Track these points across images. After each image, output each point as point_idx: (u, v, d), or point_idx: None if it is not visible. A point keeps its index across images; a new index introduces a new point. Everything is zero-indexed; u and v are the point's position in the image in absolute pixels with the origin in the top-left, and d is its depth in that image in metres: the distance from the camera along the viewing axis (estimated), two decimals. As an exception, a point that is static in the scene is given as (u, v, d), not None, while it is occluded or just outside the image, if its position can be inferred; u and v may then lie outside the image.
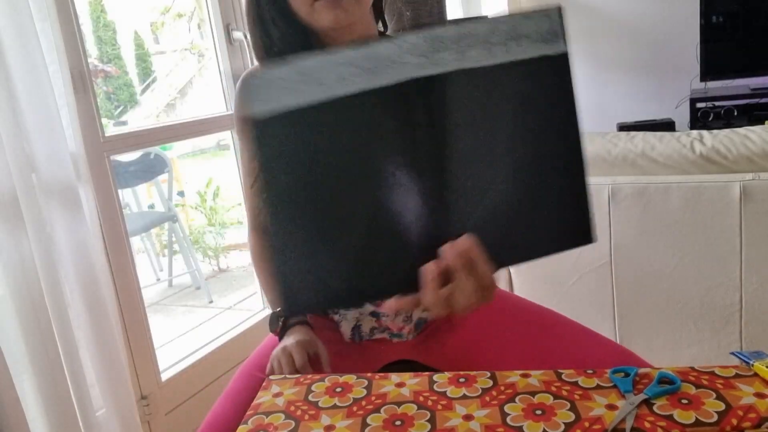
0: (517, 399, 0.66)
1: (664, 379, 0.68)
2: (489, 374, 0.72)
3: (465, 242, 0.60)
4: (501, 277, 1.59)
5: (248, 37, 0.92)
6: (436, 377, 0.72)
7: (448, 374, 0.72)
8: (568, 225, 0.63)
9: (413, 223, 0.59)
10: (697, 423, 0.60)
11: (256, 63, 0.95)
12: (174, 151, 4.34)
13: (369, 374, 0.74)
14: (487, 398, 0.67)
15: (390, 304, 0.63)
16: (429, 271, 0.60)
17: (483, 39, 0.57)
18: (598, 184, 1.36)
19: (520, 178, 0.60)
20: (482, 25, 0.57)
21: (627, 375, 0.69)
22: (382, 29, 0.99)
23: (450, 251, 0.60)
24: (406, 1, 2.80)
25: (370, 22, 0.91)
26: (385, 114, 0.57)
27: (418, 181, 0.58)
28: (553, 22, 0.59)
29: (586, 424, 0.61)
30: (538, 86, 0.59)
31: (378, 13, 0.95)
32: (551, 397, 0.66)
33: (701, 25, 3.27)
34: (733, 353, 0.73)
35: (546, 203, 0.62)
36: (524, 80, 0.59)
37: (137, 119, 2.56)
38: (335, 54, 0.55)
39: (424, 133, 0.58)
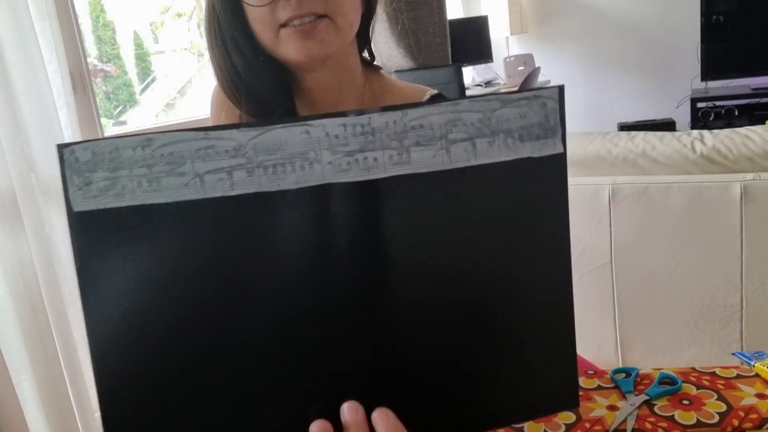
0: (517, 400, 0.66)
1: (665, 380, 0.67)
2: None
3: (383, 421, 0.41)
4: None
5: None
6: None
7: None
8: (548, 384, 0.47)
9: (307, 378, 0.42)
10: (699, 424, 0.60)
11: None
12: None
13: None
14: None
15: None
16: None
17: (439, 135, 0.41)
18: (598, 184, 1.36)
19: (484, 321, 0.44)
20: (438, 115, 0.41)
21: (628, 375, 0.69)
22: (369, 59, 0.81)
23: (350, 415, 0.41)
24: (406, 0, 2.80)
25: (352, 52, 0.74)
26: (277, 226, 0.40)
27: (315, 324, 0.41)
28: (549, 111, 0.43)
29: (587, 425, 0.61)
30: (514, 197, 0.43)
31: (364, 40, 0.77)
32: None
33: (702, 25, 3.27)
34: (734, 354, 0.72)
35: (520, 356, 0.46)
36: (496, 190, 0.43)
37: (137, 119, 2.56)
38: (212, 135, 0.38)
39: (338, 243, 0.41)
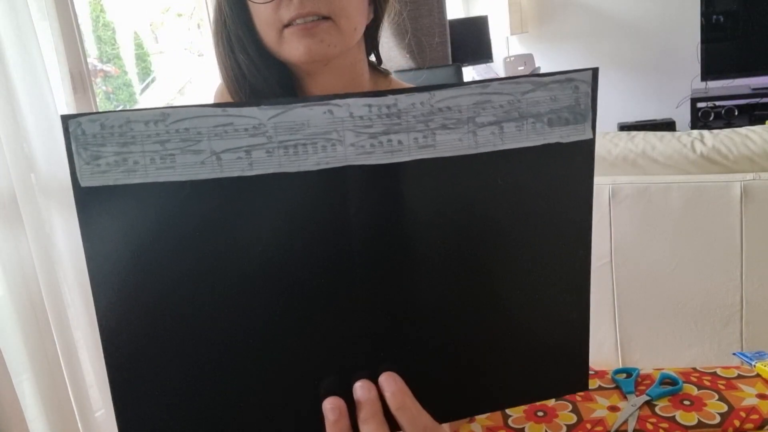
0: (518, 400, 0.66)
1: (666, 380, 0.67)
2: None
3: (390, 385, 0.42)
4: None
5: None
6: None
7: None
8: (559, 367, 0.47)
9: (327, 348, 0.42)
10: (700, 425, 0.60)
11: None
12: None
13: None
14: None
15: None
16: (330, 410, 0.41)
17: (466, 117, 0.40)
18: (598, 184, 1.36)
19: (503, 305, 0.44)
20: (467, 97, 0.39)
21: (629, 376, 0.69)
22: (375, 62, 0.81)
23: (362, 392, 0.41)
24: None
25: (358, 58, 0.74)
26: (296, 208, 0.39)
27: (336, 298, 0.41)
28: (580, 95, 0.41)
29: (588, 426, 0.61)
30: (540, 183, 0.43)
31: (371, 45, 0.77)
32: (552, 398, 0.66)
33: (702, 25, 3.27)
34: (735, 354, 0.72)
35: (534, 338, 0.46)
36: (521, 176, 0.42)
37: (137, 119, 2.56)
38: (231, 112, 0.37)
39: (358, 227, 0.40)
